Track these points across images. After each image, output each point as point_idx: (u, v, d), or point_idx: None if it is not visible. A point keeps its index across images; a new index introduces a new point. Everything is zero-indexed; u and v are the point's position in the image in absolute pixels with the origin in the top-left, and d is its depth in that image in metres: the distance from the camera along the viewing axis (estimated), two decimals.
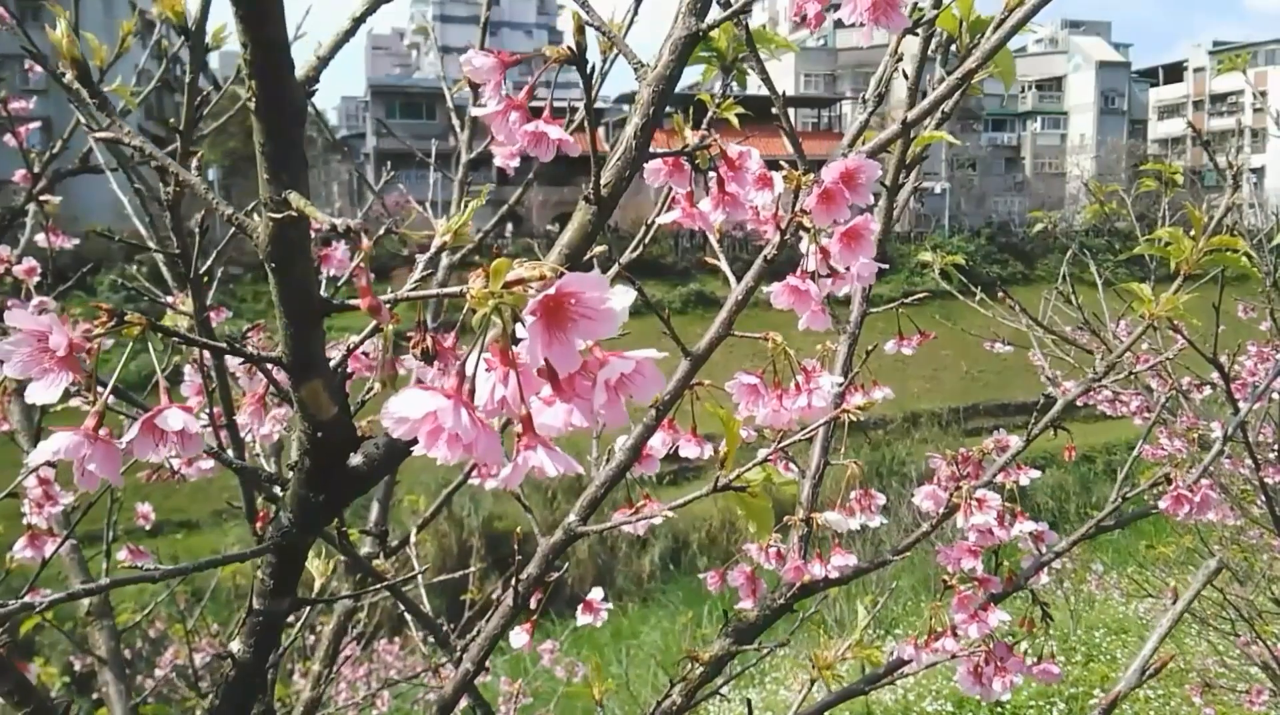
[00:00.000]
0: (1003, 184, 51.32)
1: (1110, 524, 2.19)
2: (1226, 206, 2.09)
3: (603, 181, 1.10)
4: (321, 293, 1.00)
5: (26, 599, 0.94)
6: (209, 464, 1.93)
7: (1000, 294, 4.45)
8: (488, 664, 1.71)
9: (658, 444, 1.52)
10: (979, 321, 4.98)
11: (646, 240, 1.69)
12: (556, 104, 1.08)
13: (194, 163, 1.62)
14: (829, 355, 2.24)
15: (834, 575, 1.86)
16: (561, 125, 1.05)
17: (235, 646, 1.14)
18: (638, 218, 2.73)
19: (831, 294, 1.27)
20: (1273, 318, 3.91)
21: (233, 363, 1.96)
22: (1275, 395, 3.86)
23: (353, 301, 0.81)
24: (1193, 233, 2.05)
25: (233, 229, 0.91)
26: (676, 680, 2.03)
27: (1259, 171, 44.90)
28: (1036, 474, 2.18)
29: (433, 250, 0.97)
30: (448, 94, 3.01)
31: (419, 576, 2.04)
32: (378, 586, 1.79)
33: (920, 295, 2.32)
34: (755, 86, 1.88)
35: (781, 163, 1.24)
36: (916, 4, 1.75)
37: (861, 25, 1.12)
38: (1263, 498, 3.33)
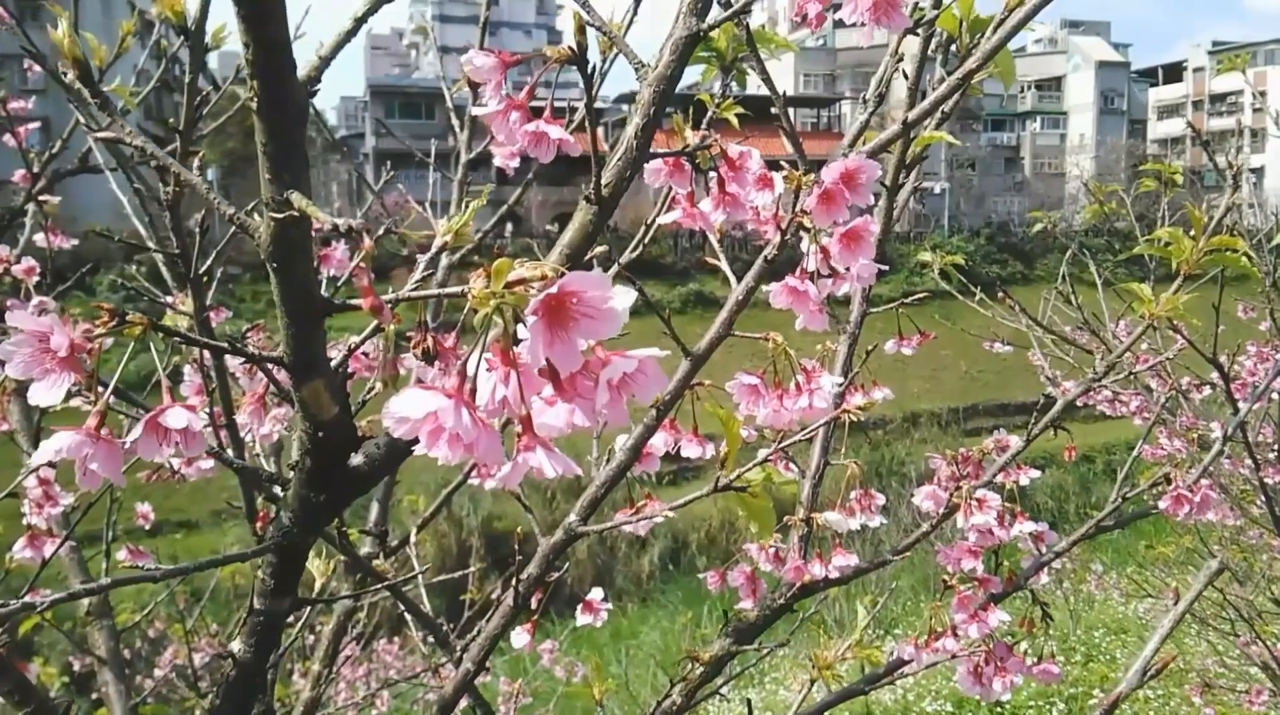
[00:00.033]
0: (1002, 184, 51.32)
1: (1110, 524, 2.19)
2: (1226, 206, 2.09)
3: (604, 181, 1.09)
4: (321, 293, 1.00)
5: (27, 599, 0.94)
6: (209, 464, 1.93)
7: (1000, 294, 4.45)
8: (487, 664, 1.71)
9: (659, 444, 1.52)
10: (978, 321, 4.98)
11: (646, 240, 1.69)
12: (555, 104, 1.08)
13: (195, 162, 1.62)
14: (829, 355, 2.24)
15: (834, 575, 1.86)
16: (562, 125, 1.05)
17: (236, 646, 1.14)
18: (637, 218, 2.73)
19: (831, 294, 1.27)
20: (1272, 318, 3.91)
21: (232, 363, 1.96)
22: (1275, 395, 3.86)
23: (354, 301, 0.81)
24: (1193, 233, 2.05)
25: (232, 229, 0.91)
26: (676, 680, 2.03)
27: (1258, 171, 44.91)
28: (1036, 474, 2.18)
29: (434, 250, 0.97)
30: (447, 94, 3.00)
31: (419, 576, 2.04)
32: (378, 586, 1.79)
33: (920, 295, 2.32)
34: (754, 86, 1.88)
35: (782, 163, 1.24)
36: (917, 4, 1.75)
37: (862, 25, 1.12)
38: (1262, 498, 3.33)
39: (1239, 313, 5.95)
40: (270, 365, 0.99)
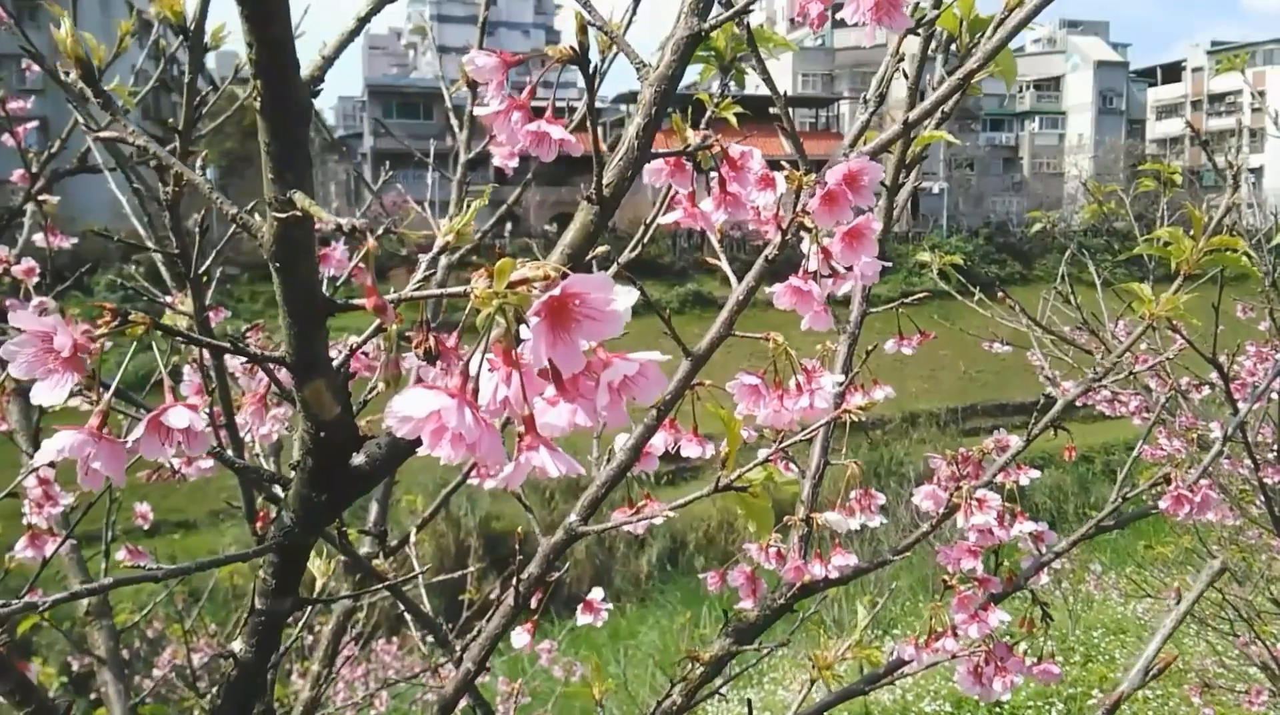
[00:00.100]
0: (1001, 184, 51.36)
1: (1110, 524, 2.19)
2: (1227, 206, 2.09)
3: (605, 181, 1.09)
4: (323, 292, 1.00)
5: (29, 599, 0.94)
6: (209, 463, 1.93)
7: (1000, 294, 4.45)
8: (487, 664, 1.71)
9: (659, 444, 1.52)
10: (977, 321, 4.98)
11: (645, 240, 1.69)
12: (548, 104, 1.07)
13: (197, 162, 1.62)
14: (829, 355, 2.24)
15: (834, 575, 1.86)
16: (563, 125, 1.05)
17: (237, 646, 1.14)
18: (635, 217, 2.73)
19: (831, 294, 1.27)
20: (1272, 318, 3.92)
21: (232, 363, 1.96)
22: (1274, 395, 3.86)
23: (356, 301, 0.81)
24: (1192, 232, 2.05)
25: (232, 228, 0.91)
26: (677, 680, 2.03)
27: (1257, 171, 44.91)
28: (1036, 474, 2.18)
29: (435, 250, 0.97)
30: (446, 94, 3.00)
31: (419, 576, 2.03)
32: (378, 587, 1.79)
33: (919, 295, 2.32)
34: (753, 86, 1.88)
35: (782, 163, 1.24)
36: (917, 4, 1.75)
37: (863, 25, 1.12)
38: (1261, 498, 3.33)
39: (1238, 313, 5.96)
40: (272, 365, 0.98)
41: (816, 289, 1.20)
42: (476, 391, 0.71)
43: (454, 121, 3.06)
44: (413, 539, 2.18)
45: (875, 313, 2.34)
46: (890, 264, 1.34)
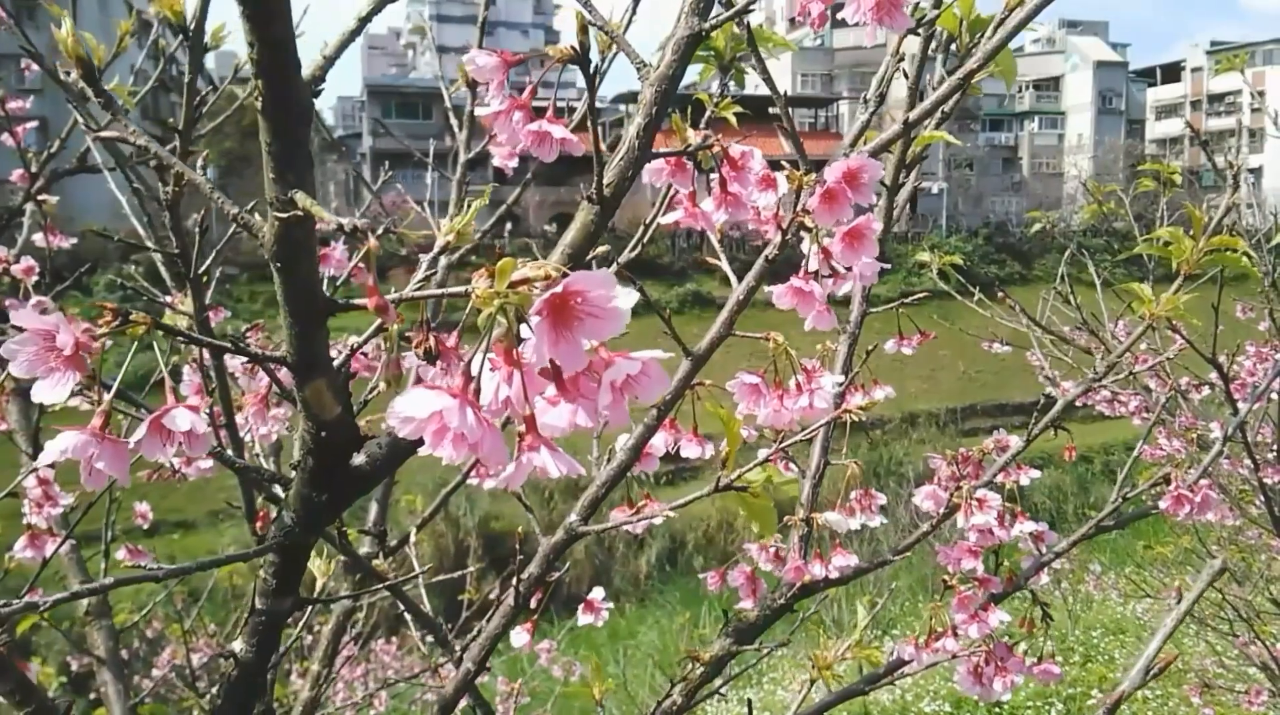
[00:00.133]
0: (1000, 184, 51.37)
1: (1110, 524, 2.20)
2: (1227, 206, 2.09)
3: (605, 181, 1.09)
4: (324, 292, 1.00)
5: (29, 599, 0.94)
6: (209, 463, 1.93)
7: (1000, 294, 4.45)
8: (487, 663, 1.71)
9: (659, 444, 1.52)
10: (976, 322, 4.98)
11: (645, 240, 1.69)
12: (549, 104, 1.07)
13: (199, 161, 1.62)
14: (829, 355, 2.24)
15: (834, 575, 1.86)
16: (564, 125, 1.05)
17: (238, 646, 1.14)
18: (634, 217, 2.74)
19: (831, 294, 1.27)
20: (1271, 318, 3.92)
21: (231, 363, 1.96)
22: (1274, 395, 3.86)
23: (357, 301, 0.81)
24: (1192, 232, 2.05)
25: (231, 228, 0.91)
26: (677, 680, 2.03)
27: (1256, 171, 44.89)
28: (1037, 474, 2.18)
29: (436, 250, 0.97)
30: (445, 94, 3.00)
31: (419, 576, 2.03)
32: (378, 587, 1.79)
33: (919, 295, 2.32)
34: (753, 86, 1.88)
35: (782, 163, 1.24)
36: (918, 3, 1.75)
37: (864, 25, 1.12)
38: (1261, 498, 3.33)
39: (1238, 313, 5.96)
40: (272, 365, 0.98)
41: (818, 289, 1.20)
42: (478, 391, 0.71)
43: (453, 121, 3.06)
44: (413, 539, 2.18)
45: (875, 313, 2.34)
46: (890, 265, 1.34)
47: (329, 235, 2.09)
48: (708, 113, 1.66)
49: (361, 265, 0.76)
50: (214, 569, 1.15)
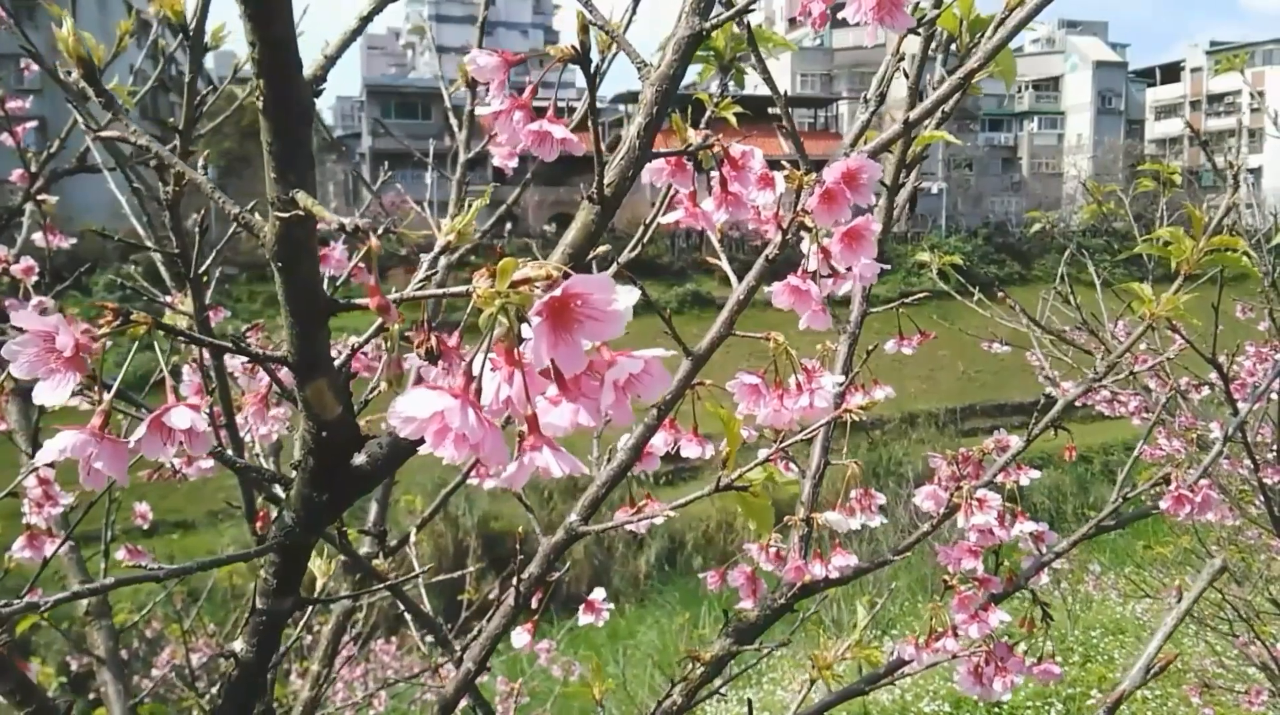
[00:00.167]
0: (999, 184, 51.36)
1: (1110, 524, 2.20)
2: (1227, 206, 2.09)
3: (606, 181, 1.09)
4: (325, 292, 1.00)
5: (29, 599, 0.94)
6: (209, 463, 1.93)
7: (999, 294, 4.45)
8: (487, 663, 1.71)
9: (660, 444, 1.52)
10: (976, 322, 4.98)
11: (645, 240, 1.69)
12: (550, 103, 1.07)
13: (199, 161, 1.62)
14: (829, 355, 2.24)
15: (835, 575, 1.86)
16: (565, 125, 1.05)
17: (238, 646, 1.14)
18: (634, 217, 2.74)
19: (831, 294, 1.27)
20: (1271, 318, 3.92)
21: (232, 362, 1.96)
22: (1274, 395, 3.86)
23: (358, 301, 0.81)
24: (1192, 232, 2.05)
25: (231, 228, 0.91)
26: (677, 680, 2.03)
27: (1256, 172, 44.86)
28: (1037, 474, 2.18)
29: (436, 250, 0.97)
30: (445, 94, 3.00)
31: (419, 576, 2.03)
32: (378, 587, 1.79)
33: (919, 295, 2.32)
34: (752, 86, 1.88)
35: (782, 163, 1.24)
36: (918, 3, 1.75)
37: (865, 25, 1.12)
38: (1261, 498, 3.33)
39: (1237, 313, 5.96)
40: (273, 364, 0.98)
41: (814, 288, 1.20)
42: (479, 391, 0.71)
43: (453, 121, 3.06)
44: (412, 539, 2.18)
45: (875, 313, 2.34)
46: (890, 265, 1.34)
47: (329, 235, 2.08)
48: (708, 113, 1.66)
49: (362, 265, 0.76)
50: (214, 569, 1.15)
